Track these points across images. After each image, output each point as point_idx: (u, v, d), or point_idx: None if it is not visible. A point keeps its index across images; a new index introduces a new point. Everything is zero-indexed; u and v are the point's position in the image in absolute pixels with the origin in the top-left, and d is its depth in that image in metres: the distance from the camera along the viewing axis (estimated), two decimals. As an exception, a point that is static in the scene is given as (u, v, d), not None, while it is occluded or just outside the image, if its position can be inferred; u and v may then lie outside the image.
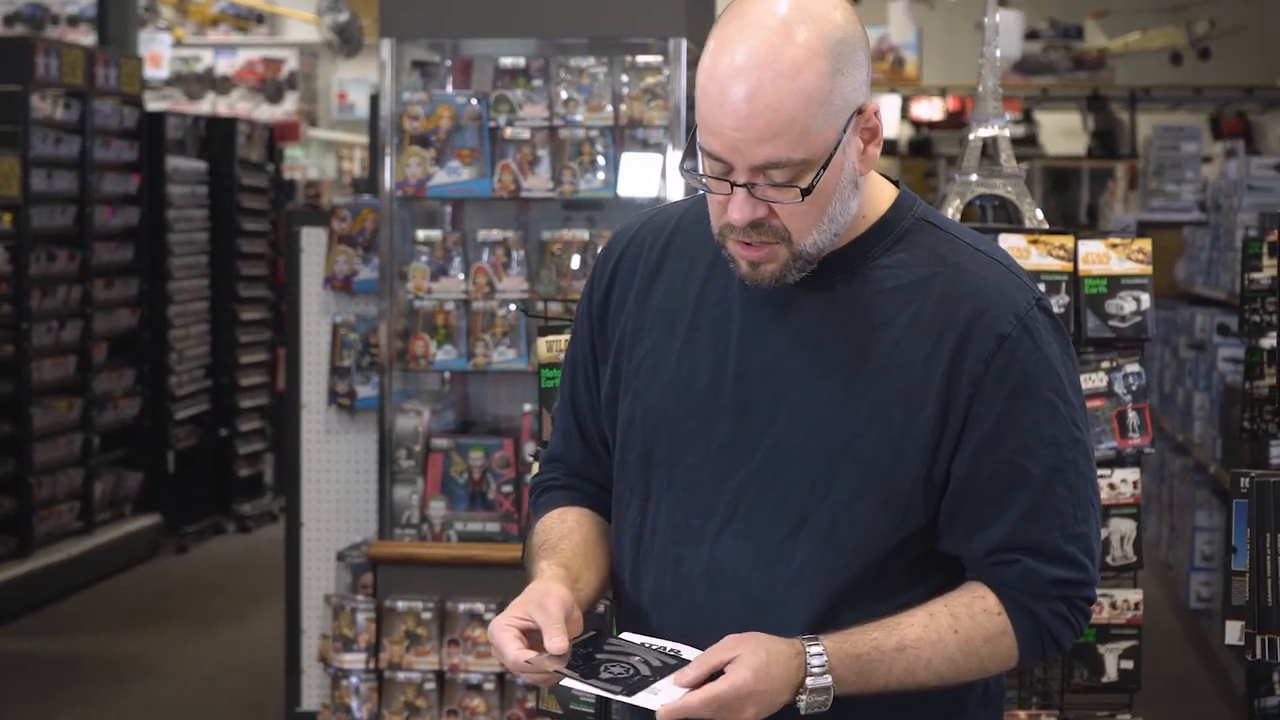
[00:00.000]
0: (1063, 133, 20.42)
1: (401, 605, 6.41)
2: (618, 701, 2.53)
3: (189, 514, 12.04)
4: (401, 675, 6.40)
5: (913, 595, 2.66)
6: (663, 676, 2.53)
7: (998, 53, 4.91)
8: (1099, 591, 4.51)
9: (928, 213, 2.74)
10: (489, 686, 6.39)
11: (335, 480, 7.15)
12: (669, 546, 2.74)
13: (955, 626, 2.63)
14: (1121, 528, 4.56)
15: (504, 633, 2.57)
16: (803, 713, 2.55)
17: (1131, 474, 4.58)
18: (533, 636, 2.57)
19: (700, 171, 2.60)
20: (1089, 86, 19.07)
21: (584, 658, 2.57)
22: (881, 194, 2.73)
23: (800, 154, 2.53)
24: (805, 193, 2.55)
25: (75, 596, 10.48)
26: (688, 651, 2.60)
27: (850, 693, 2.57)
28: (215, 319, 12.45)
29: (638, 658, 2.57)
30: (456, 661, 6.36)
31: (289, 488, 7.30)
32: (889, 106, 19.97)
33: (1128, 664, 4.58)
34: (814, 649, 2.56)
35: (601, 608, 3.25)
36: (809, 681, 2.54)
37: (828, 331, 2.66)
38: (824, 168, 2.55)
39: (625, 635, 2.68)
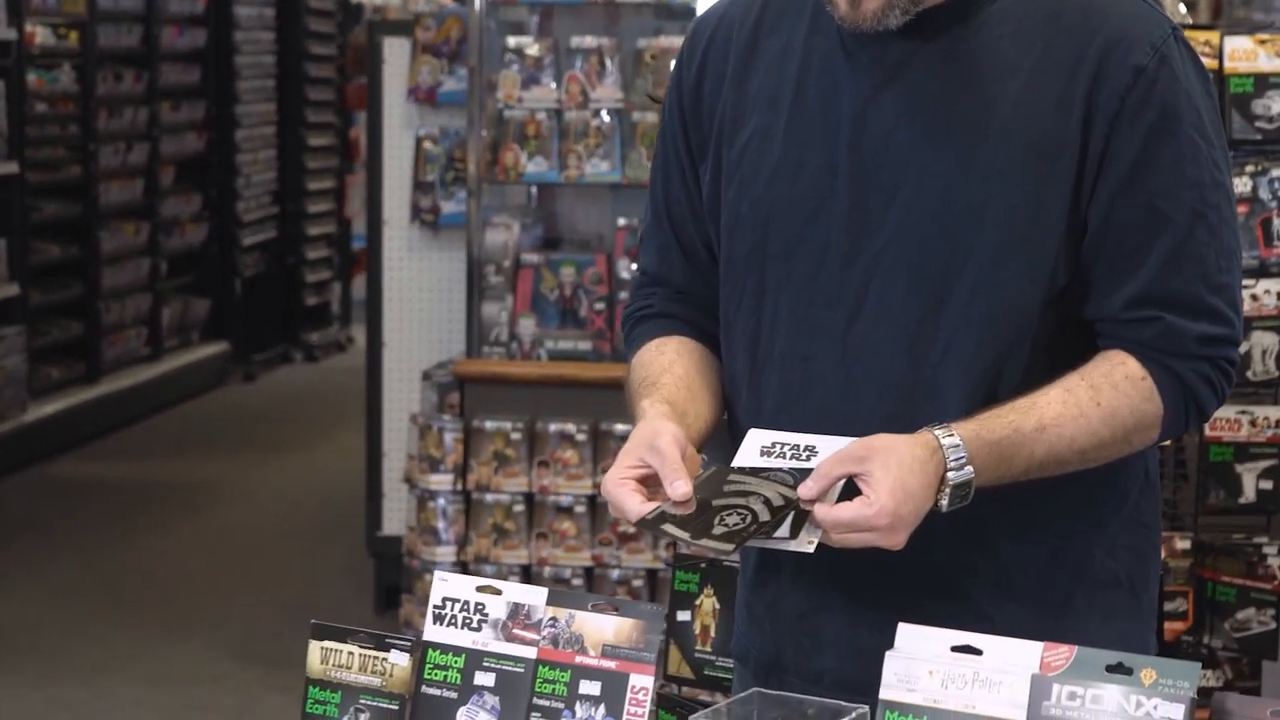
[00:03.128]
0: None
1: (490, 425, 6.20)
2: (730, 558, 2.31)
3: (256, 342, 11.89)
4: (490, 497, 6.20)
5: (1072, 368, 2.44)
6: (785, 515, 2.30)
7: None
8: (1237, 409, 4.33)
9: None
10: (580, 509, 6.19)
11: (418, 299, 6.93)
12: (795, 344, 2.50)
13: (1096, 399, 2.40)
14: (1263, 341, 4.31)
15: (621, 488, 2.33)
16: (944, 510, 2.33)
17: (1275, 285, 4.32)
18: (651, 484, 2.34)
19: None
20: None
21: (700, 506, 2.32)
22: None
23: None
24: None
25: (144, 423, 10.36)
26: (825, 445, 2.37)
27: (990, 482, 2.35)
28: (282, 145, 12.24)
29: (759, 496, 2.32)
30: (546, 483, 6.16)
31: (370, 307, 7.09)
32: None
33: (1267, 484, 4.34)
34: (949, 440, 2.32)
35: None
36: (950, 476, 2.31)
37: (948, 86, 2.43)
38: None
39: (754, 434, 2.44)
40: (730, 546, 2.26)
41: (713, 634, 3.25)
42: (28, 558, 7.73)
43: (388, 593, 6.92)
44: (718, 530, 2.28)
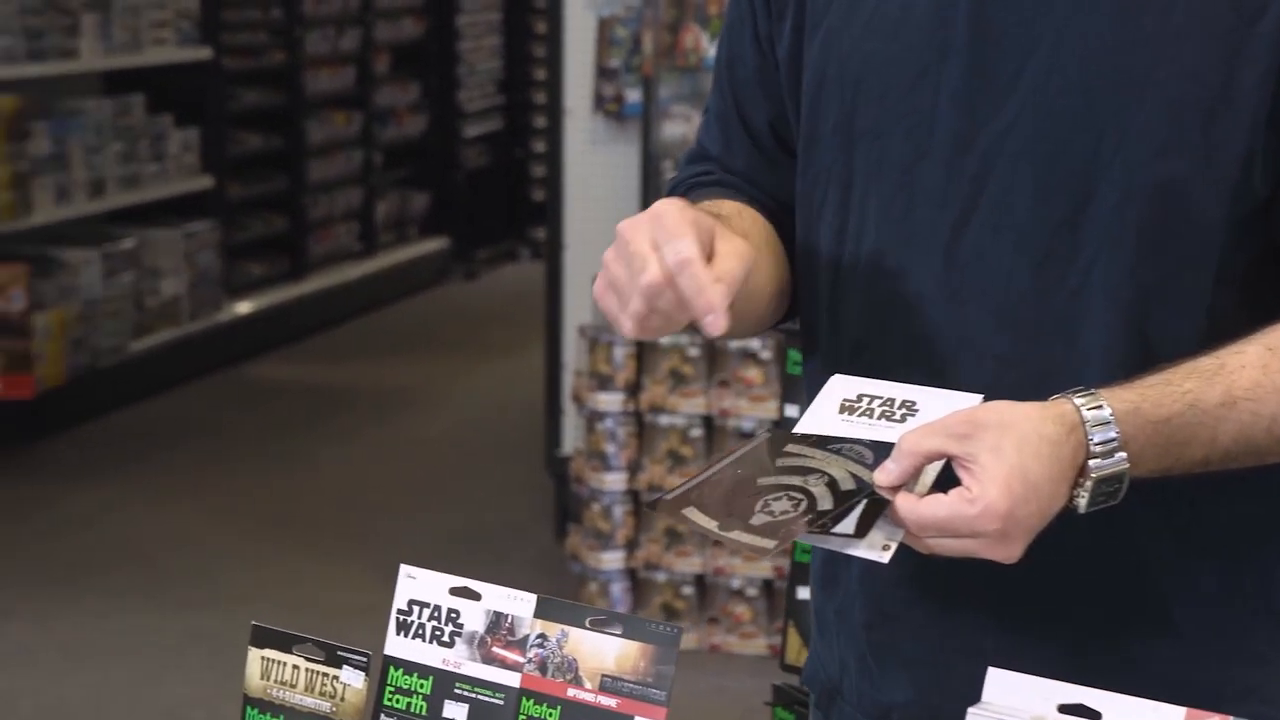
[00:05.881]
0: None
1: (665, 340, 5.59)
2: (769, 553, 1.68)
3: (480, 239, 11.42)
4: (664, 419, 5.60)
5: (1267, 319, 1.76)
6: (854, 504, 1.66)
7: None
8: None
9: None
10: (764, 432, 5.56)
11: (603, 196, 6.34)
12: (885, 252, 1.86)
13: None
14: None
15: (687, 226, 1.68)
16: (1082, 512, 1.67)
17: None
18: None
19: None
20: None
21: (739, 485, 1.70)
22: None
23: None
24: None
25: (351, 323, 9.95)
26: (931, 402, 1.73)
27: (1151, 474, 1.69)
28: (508, 29, 11.72)
29: (822, 475, 1.69)
30: (727, 405, 5.56)
31: (550, 205, 6.52)
32: None
33: None
34: (1096, 413, 1.65)
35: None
36: (1093, 465, 1.64)
37: None
38: None
39: (837, 381, 1.80)
40: (771, 544, 1.65)
41: (839, 616, 2.63)
42: (196, 467, 7.34)
43: (567, 517, 6.36)
44: (757, 520, 1.67)
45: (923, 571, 1.84)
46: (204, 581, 6.05)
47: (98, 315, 7.86)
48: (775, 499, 1.68)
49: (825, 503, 1.66)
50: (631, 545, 5.64)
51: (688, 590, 5.58)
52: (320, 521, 6.74)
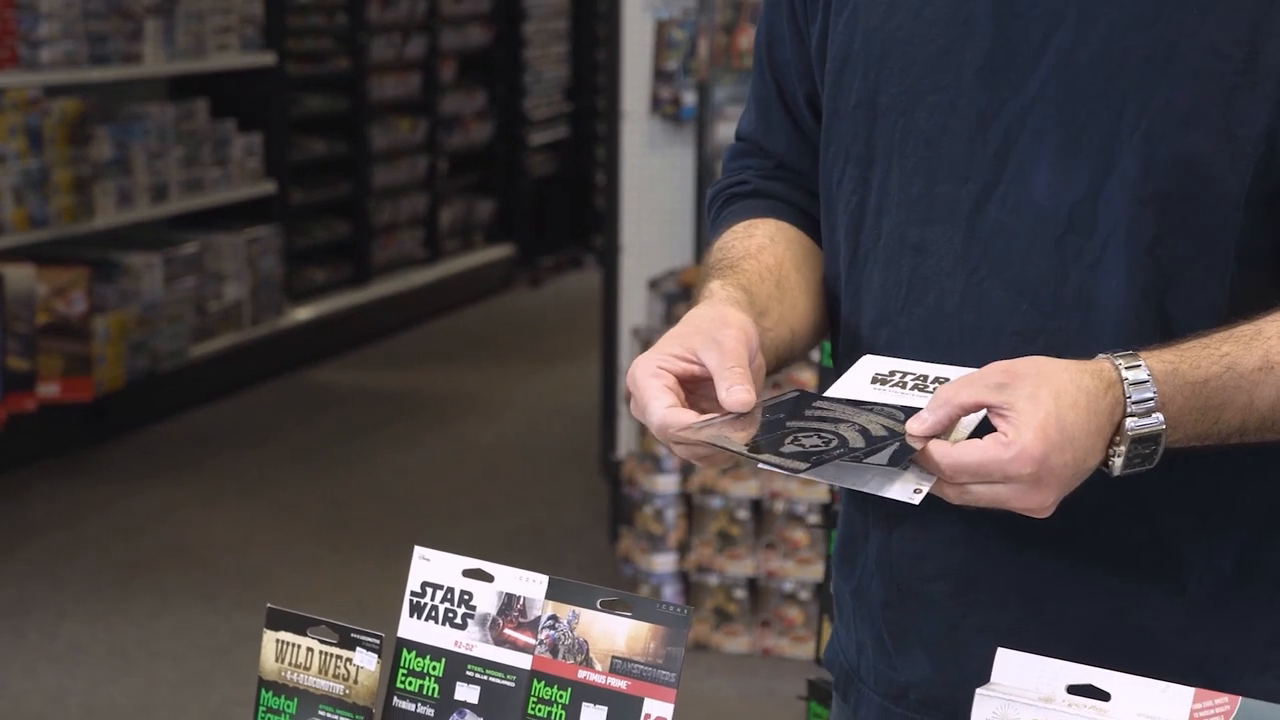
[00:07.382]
0: None
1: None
2: (797, 475, 1.63)
3: (545, 246, 11.39)
4: (718, 422, 5.54)
5: None
6: (885, 446, 1.63)
7: None
8: None
9: None
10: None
11: (659, 199, 6.29)
12: (905, 228, 1.83)
13: None
14: None
15: (651, 381, 1.70)
16: (1117, 473, 1.64)
17: None
18: (695, 390, 1.73)
19: None
20: None
21: (769, 426, 1.67)
22: None
23: None
24: None
25: (414, 330, 9.93)
26: (957, 376, 1.70)
27: (1187, 440, 1.66)
28: (575, 37, 11.69)
29: (853, 424, 1.66)
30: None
31: (608, 208, 6.48)
32: None
33: None
34: (1134, 373, 1.62)
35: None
36: (1130, 425, 1.62)
37: None
38: None
39: (867, 360, 1.78)
40: (803, 465, 1.61)
41: (875, 607, 2.59)
42: (254, 471, 7.33)
43: (620, 520, 6.33)
44: (789, 448, 1.63)
45: (939, 548, 1.84)
46: (257, 584, 6.03)
47: (158, 319, 7.87)
48: (806, 436, 1.65)
49: (857, 443, 1.63)
50: (684, 548, 5.60)
51: (740, 593, 5.54)
52: (377, 525, 6.71)
